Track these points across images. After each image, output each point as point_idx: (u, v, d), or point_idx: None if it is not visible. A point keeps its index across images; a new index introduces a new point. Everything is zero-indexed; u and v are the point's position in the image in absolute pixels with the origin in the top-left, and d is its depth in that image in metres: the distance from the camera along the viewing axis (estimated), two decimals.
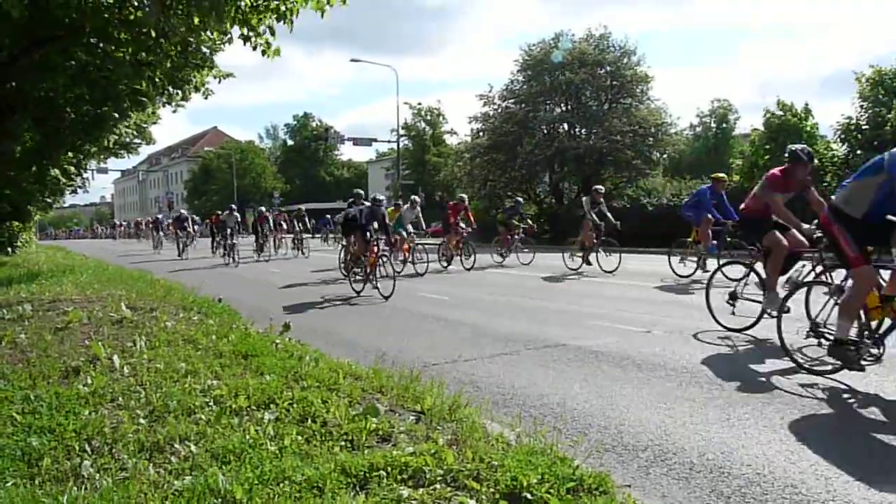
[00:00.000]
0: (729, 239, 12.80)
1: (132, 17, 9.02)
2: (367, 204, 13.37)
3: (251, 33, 8.33)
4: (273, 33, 8.37)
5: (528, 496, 3.09)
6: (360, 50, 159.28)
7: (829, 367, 5.55)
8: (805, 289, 6.77)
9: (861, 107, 22.16)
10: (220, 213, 27.92)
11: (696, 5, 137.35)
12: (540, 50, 36.19)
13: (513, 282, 13.97)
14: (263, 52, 8.58)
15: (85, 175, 21.96)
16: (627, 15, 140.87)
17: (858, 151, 21.85)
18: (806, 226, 6.99)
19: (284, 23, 8.20)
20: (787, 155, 7.27)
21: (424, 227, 20.22)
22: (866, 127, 21.68)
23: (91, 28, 9.26)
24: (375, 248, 12.35)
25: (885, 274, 5.34)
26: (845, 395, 5.08)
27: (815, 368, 5.71)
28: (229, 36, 9.84)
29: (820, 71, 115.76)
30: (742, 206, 8.02)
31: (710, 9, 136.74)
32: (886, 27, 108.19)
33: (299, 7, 8.10)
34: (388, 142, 53.68)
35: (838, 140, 23.04)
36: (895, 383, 5.42)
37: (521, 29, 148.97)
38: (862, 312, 5.32)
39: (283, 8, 8.14)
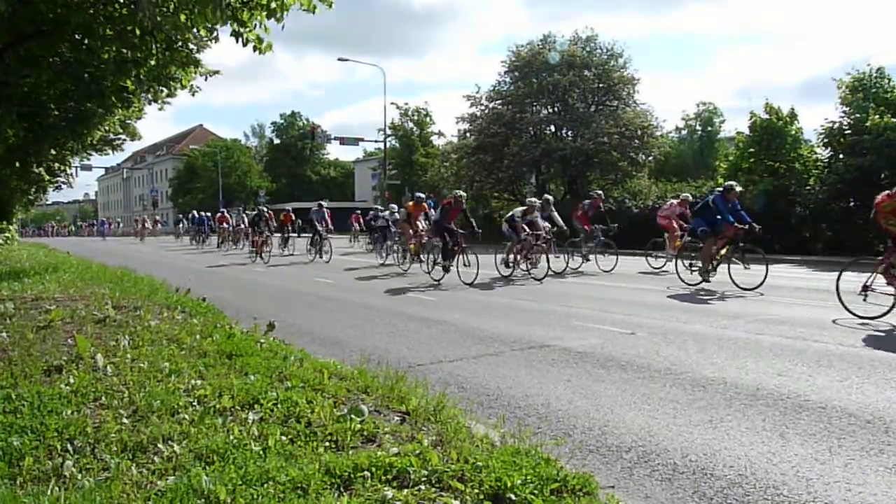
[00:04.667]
0: None
1: (117, 13, 8.96)
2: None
3: (242, 29, 8.29)
4: (266, 29, 8.34)
5: (513, 497, 3.09)
6: (346, 52, 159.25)
7: None
8: None
9: (844, 112, 22.35)
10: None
11: (676, 13, 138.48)
12: (528, 51, 36.29)
13: (499, 283, 13.99)
14: (255, 48, 8.54)
15: (69, 172, 21.82)
16: (610, 21, 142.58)
17: (841, 155, 22.05)
18: None
19: (275, 20, 8.17)
20: None
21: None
22: (848, 132, 21.87)
23: (75, 24, 9.19)
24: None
25: None
26: (827, 397, 5.12)
27: None
28: (216, 34, 9.78)
29: (798, 76, 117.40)
30: None
31: (689, 17, 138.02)
32: (863, 36, 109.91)
33: (290, 5, 8.08)
34: (375, 141, 53.66)
35: (822, 144, 23.24)
36: (875, 385, 5.48)
37: (506, 33, 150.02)
38: None
39: (273, 4, 8.11)
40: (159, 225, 61.96)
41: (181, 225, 47.16)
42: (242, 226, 31.24)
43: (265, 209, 24.37)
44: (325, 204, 24.39)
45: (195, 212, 41.30)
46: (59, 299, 9.64)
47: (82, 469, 3.39)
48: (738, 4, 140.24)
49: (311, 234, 22.87)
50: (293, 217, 26.61)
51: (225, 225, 32.62)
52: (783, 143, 24.12)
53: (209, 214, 38.63)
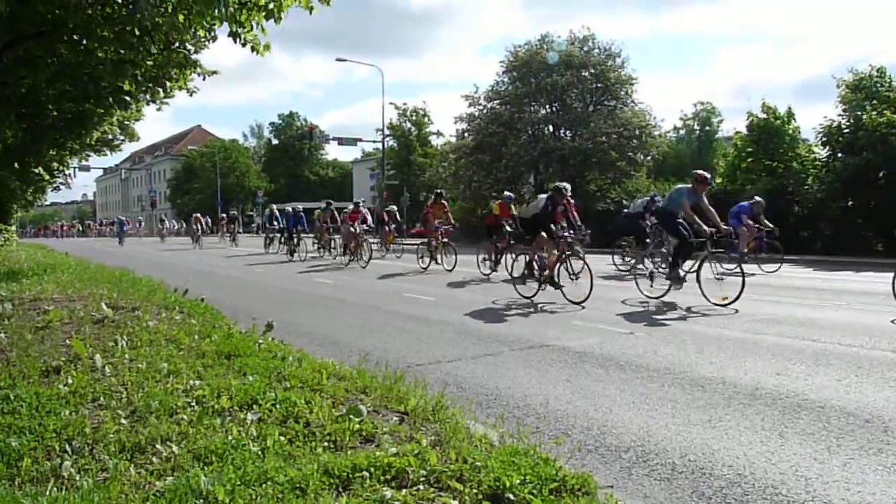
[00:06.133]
0: None
1: (115, 14, 8.95)
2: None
3: (240, 30, 8.30)
4: (263, 30, 8.36)
5: (511, 497, 3.09)
6: (344, 53, 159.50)
7: None
8: None
9: (843, 110, 22.38)
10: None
11: (676, 13, 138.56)
12: (526, 52, 36.33)
13: (498, 283, 13.99)
14: (253, 49, 8.54)
15: (68, 172, 21.80)
16: (609, 21, 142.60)
17: (839, 154, 22.08)
18: None
19: (273, 20, 8.18)
20: None
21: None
22: (847, 130, 21.91)
23: (73, 25, 9.18)
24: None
25: None
26: (825, 397, 5.13)
27: None
28: (214, 35, 9.78)
29: (797, 77, 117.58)
30: None
31: (689, 17, 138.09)
32: (861, 36, 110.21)
33: (288, 5, 8.08)
34: (374, 142, 53.61)
35: (820, 143, 23.27)
36: (874, 384, 5.48)
37: (505, 34, 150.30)
38: None
39: (270, 6, 8.12)
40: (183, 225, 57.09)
41: (234, 224, 37.32)
42: (365, 227, 20.77)
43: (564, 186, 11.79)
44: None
45: (273, 207, 30.15)
46: (57, 300, 9.63)
47: (81, 470, 3.39)
48: (738, 4, 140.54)
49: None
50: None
51: (356, 227, 20.13)
52: (781, 142, 24.18)
53: (298, 208, 26.69)
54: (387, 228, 23.96)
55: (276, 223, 27.38)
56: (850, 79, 22.56)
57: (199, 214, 39.19)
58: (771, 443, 4.18)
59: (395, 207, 25.31)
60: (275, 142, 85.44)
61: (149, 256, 28.18)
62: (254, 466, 3.33)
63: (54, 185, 22.96)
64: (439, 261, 17.43)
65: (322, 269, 19.06)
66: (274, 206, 30.31)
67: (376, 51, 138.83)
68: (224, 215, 43.40)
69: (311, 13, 7.99)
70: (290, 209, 26.33)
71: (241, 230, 37.11)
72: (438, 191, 20.11)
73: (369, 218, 21.71)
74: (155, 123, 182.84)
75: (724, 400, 5.14)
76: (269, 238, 28.17)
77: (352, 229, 20.13)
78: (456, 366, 6.50)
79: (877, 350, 6.80)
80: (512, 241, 15.14)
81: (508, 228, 15.18)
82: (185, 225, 58.46)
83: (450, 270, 16.41)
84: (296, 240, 24.05)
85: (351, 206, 21.95)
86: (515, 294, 11.44)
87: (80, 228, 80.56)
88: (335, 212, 24.20)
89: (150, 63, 10.33)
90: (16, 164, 15.54)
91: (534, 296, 11.04)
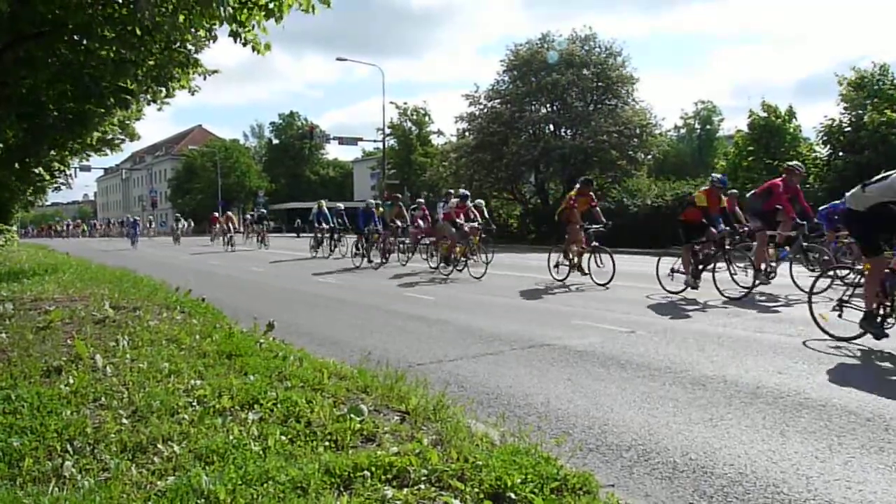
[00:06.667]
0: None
1: (116, 14, 8.96)
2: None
3: (241, 29, 8.30)
4: (264, 30, 8.37)
5: (513, 496, 3.09)
6: (345, 52, 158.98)
7: None
8: None
9: (845, 109, 22.38)
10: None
11: (676, 13, 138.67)
12: (527, 51, 36.30)
13: (499, 282, 13.99)
14: (254, 48, 8.55)
15: (68, 173, 21.82)
16: (609, 21, 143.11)
17: (840, 153, 22.09)
18: None
19: (274, 20, 8.19)
20: None
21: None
22: (848, 129, 21.90)
23: (74, 25, 9.19)
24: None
25: None
26: (827, 395, 5.12)
27: None
28: (214, 34, 9.78)
29: (796, 76, 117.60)
30: None
31: (689, 17, 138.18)
32: (859, 36, 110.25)
33: (289, 5, 8.09)
34: (374, 141, 53.66)
35: (821, 142, 23.27)
36: (876, 383, 5.47)
37: (505, 33, 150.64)
38: None
39: (271, 5, 8.13)
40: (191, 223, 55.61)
41: (262, 225, 32.01)
42: (475, 225, 16.28)
43: None
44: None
45: (322, 203, 25.01)
46: (58, 300, 9.63)
47: (82, 469, 3.39)
48: (737, 4, 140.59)
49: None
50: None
51: (465, 225, 15.55)
52: (782, 141, 24.19)
53: (371, 203, 20.84)
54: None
55: (324, 222, 23.58)
56: (853, 76, 22.55)
57: (229, 213, 33.97)
58: (772, 441, 4.17)
59: (481, 202, 19.18)
60: (275, 141, 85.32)
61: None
62: (255, 466, 3.33)
63: (55, 185, 22.98)
64: (586, 270, 12.91)
65: (422, 281, 14.75)
66: (323, 202, 25.24)
67: (376, 51, 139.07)
68: (250, 215, 39.52)
69: (314, 13, 7.99)
70: (340, 206, 23.33)
71: (270, 230, 32.23)
72: (586, 177, 15.02)
73: (478, 215, 17.17)
74: (155, 123, 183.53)
75: (726, 399, 5.13)
76: (318, 239, 23.95)
77: (465, 228, 15.28)
78: (457, 365, 6.50)
79: (879, 349, 6.79)
80: (728, 246, 10.93)
81: (722, 228, 10.74)
82: (192, 224, 58.04)
83: (603, 285, 12.19)
84: (365, 243, 19.48)
85: (453, 201, 16.75)
86: (515, 293, 11.36)
87: (85, 229, 76.93)
88: (403, 207, 20.67)
89: (151, 63, 10.35)
90: (16, 165, 15.55)
91: (855, 338, 6.92)
